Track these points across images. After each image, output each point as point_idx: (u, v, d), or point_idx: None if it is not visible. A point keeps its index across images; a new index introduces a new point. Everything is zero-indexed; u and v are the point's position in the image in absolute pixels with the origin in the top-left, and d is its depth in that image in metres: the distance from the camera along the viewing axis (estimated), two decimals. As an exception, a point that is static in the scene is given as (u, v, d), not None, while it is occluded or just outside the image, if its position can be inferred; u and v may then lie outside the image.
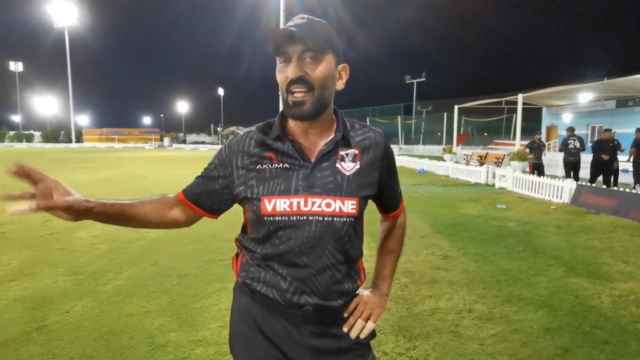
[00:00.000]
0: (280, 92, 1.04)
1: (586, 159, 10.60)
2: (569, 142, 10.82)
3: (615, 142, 10.02)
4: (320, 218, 1.03)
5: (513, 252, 4.95)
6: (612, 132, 10.24)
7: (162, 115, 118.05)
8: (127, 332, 2.92)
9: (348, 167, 1.06)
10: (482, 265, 4.42)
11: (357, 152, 1.08)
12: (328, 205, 1.03)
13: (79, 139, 60.71)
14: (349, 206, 1.04)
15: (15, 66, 70.96)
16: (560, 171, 12.23)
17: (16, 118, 77.30)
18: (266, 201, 1.03)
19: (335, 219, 1.03)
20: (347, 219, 1.05)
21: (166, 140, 56.84)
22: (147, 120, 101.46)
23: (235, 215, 1.18)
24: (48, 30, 63.64)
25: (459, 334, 2.91)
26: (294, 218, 1.02)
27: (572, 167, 10.84)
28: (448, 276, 4.07)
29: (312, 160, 1.05)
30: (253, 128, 1.11)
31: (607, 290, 3.73)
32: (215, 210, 1.14)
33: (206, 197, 1.12)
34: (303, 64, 0.98)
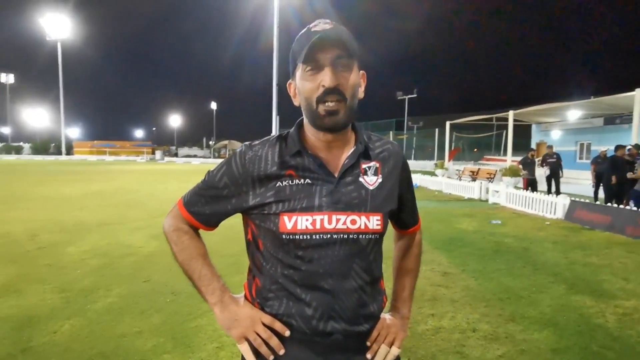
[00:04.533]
0: (303, 103, 0.96)
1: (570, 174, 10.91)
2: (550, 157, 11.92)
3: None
4: (346, 236, 0.96)
5: (513, 268, 4.89)
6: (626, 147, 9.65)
7: (154, 129, 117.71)
8: (118, 354, 2.77)
9: (371, 180, 1.01)
10: (482, 282, 4.35)
11: (377, 165, 1.03)
12: (353, 222, 0.96)
13: (69, 152, 60.01)
14: (374, 222, 0.98)
15: (7, 78, 70.37)
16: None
17: (5, 130, 76.17)
18: (285, 218, 0.95)
19: (360, 236, 0.97)
20: (373, 236, 0.99)
21: (158, 154, 56.32)
22: (139, 133, 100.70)
23: (230, 229, 1.10)
24: (40, 43, 63.46)
25: (465, 354, 2.81)
26: (317, 237, 0.95)
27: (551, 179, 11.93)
28: (449, 294, 3.99)
29: (336, 174, 0.99)
30: (267, 142, 1.03)
31: (611, 308, 3.68)
32: (217, 225, 1.11)
33: (217, 218, 1.07)
34: (337, 72, 0.92)
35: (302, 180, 0.97)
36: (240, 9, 37.89)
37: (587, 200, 8.69)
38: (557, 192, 11.19)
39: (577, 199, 8.62)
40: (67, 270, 4.59)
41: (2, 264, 4.83)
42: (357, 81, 0.96)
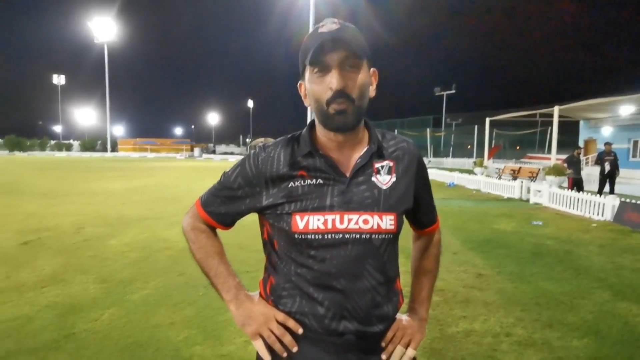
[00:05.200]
0: (313, 104, 0.96)
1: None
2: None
3: None
4: (358, 236, 0.95)
5: (552, 272, 4.67)
6: None
7: (193, 126, 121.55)
8: (152, 343, 2.89)
9: (384, 180, 0.99)
10: (519, 286, 4.18)
11: (391, 164, 1.01)
12: (366, 222, 0.95)
13: (114, 148, 63.11)
14: (387, 222, 0.97)
15: (58, 79, 74.77)
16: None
17: (57, 128, 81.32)
18: (298, 217, 0.95)
19: (373, 236, 0.96)
20: (386, 236, 0.98)
21: (196, 151, 58.11)
22: (178, 131, 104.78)
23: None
24: (89, 46, 66.94)
25: (497, 359, 2.72)
26: (329, 236, 0.94)
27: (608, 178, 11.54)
28: (483, 296, 3.86)
29: (348, 174, 0.98)
30: (279, 143, 1.03)
31: (661, 317, 3.43)
32: (233, 224, 1.13)
33: (231, 217, 1.09)
34: (344, 73, 0.91)
35: (313, 181, 0.97)
36: (276, 6, 38.31)
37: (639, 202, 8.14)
38: (611, 192, 10.68)
39: (629, 200, 8.09)
40: (108, 262, 4.83)
41: (50, 255, 5.15)
42: (365, 81, 0.95)
